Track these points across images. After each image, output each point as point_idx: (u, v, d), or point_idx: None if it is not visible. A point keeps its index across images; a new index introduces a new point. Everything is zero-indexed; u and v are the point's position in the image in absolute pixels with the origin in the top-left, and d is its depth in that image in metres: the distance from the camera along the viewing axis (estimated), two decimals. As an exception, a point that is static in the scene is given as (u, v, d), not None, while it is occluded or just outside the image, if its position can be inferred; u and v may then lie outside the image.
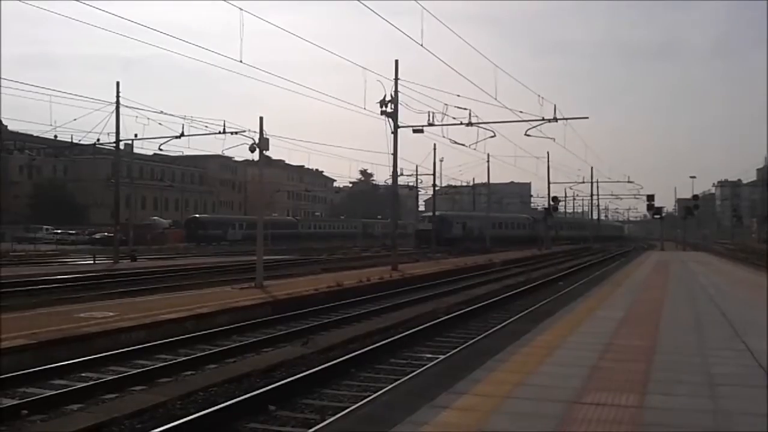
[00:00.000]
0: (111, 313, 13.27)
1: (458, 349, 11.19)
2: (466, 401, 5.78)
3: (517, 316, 14.72)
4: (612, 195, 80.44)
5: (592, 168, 72.72)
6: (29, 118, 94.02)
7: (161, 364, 10.20)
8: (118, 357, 10.60)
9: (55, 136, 55.06)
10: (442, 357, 10.54)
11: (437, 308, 16.84)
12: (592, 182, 73.19)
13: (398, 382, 8.49)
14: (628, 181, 68.01)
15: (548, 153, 72.66)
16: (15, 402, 8.05)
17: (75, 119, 37.18)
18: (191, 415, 7.16)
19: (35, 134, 53.05)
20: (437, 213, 62.14)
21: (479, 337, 12.28)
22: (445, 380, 6.65)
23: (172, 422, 6.87)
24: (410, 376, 8.85)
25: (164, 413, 7.48)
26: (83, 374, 9.61)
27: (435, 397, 5.86)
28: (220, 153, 39.94)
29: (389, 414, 5.55)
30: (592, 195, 78.52)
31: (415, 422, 5.11)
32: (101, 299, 17.10)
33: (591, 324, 10.93)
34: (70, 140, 40.01)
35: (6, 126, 77.82)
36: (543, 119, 29.41)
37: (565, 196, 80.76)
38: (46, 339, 10.52)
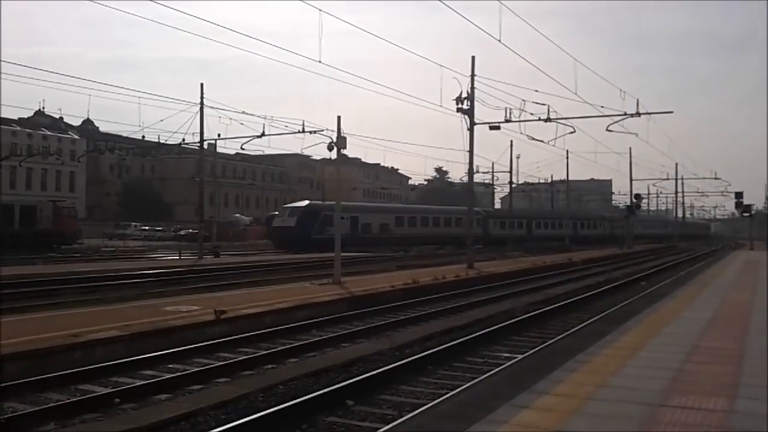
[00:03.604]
0: (196, 307, 13.75)
1: (537, 348, 11.06)
2: (545, 401, 5.72)
3: (598, 317, 14.39)
4: (698, 192, 77.35)
5: (676, 164, 70.02)
6: (119, 120, 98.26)
7: (243, 358, 10.51)
8: (203, 349, 10.99)
9: (143, 137, 57.74)
10: (521, 356, 10.43)
11: (514, 307, 16.65)
12: (676, 179, 70.71)
13: (476, 380, 8.47)
14: (715, 178, 65.24)
15: (630, 149, 70.22)
16: (108, 390, 8.47)
17: (162, 120, 39.05)
18: (273, 407, 7.35)
19: (124, 135, 55.61)
20: (306, 203, 48.46)
21: (558, 338, 12.08)
22: (524, 380, 6.59)
23: (255, 414, 7.07)
24: (488, 374, 8.81)
25: (247, 405, 7.70)
26: (170, 365, 10.00)
27: (514, 397, 5.82)
28: (299, 152, 40.92)
29: (467, 412, 5.56)
30: (676, 192, 75.85)
31: (494, 421, 5.10)
32: (186, 293, 17.78)
33: (676, 325, 10.58)
34: (157, 140, 41.65)
35: (98, 127, 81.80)
36: (625, 114, 28.63)
37: (648, 194, 78.31)
38: (137, 331, 11.03)
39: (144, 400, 8.17)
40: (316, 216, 45.63)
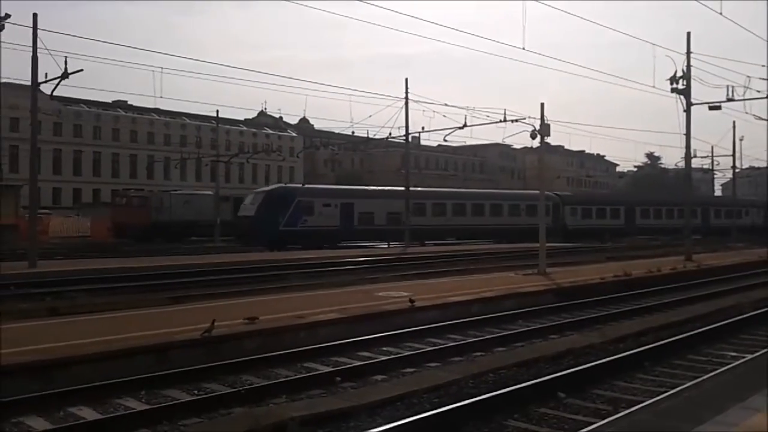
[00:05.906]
0: (405, 293, 14.28)
1: (769, 349, 10.07)
2: (783, 406, 5.23)
3: None
4: None
5: None
6: (331, 117, 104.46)
7: (452, 344, 10.75)
8: (414, 334, 11.40)
9: (353, 132, 61.03)
10: (750, 356, 9.57)
11: (741, 303, 15.25)
12: None
13: (700, 379, 7.92)
14: None
15: None
16: (330, 369, 9.11)
17: (370, 116, 40.61)
18: (483, 394, 7.43)
19: (336, 131, 59.04)
20: (273, 187, 39.76)
21: (795, 338, 10.90)
22: (756, 381, 6.07)
23: (466, 400, 7.18)
24: (713, 374, 8.20)
25: (458, 391, 7.82)
26: (384, 348, 10.49)
27: (745, 399, 5.40)
28: (499, 141, 40.63)
29: (692, 411, 5.27)
30: None
31: (723, 422, 4.77)
32: (396, 280, 18.51)
33: None
34: (365, 135, 43.57)
35: (313, 125, 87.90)
36: None
37: None
38: (353, 314, 11.74)
39: (362, 379, 8.65)
40: (287, 202, 36.57)
